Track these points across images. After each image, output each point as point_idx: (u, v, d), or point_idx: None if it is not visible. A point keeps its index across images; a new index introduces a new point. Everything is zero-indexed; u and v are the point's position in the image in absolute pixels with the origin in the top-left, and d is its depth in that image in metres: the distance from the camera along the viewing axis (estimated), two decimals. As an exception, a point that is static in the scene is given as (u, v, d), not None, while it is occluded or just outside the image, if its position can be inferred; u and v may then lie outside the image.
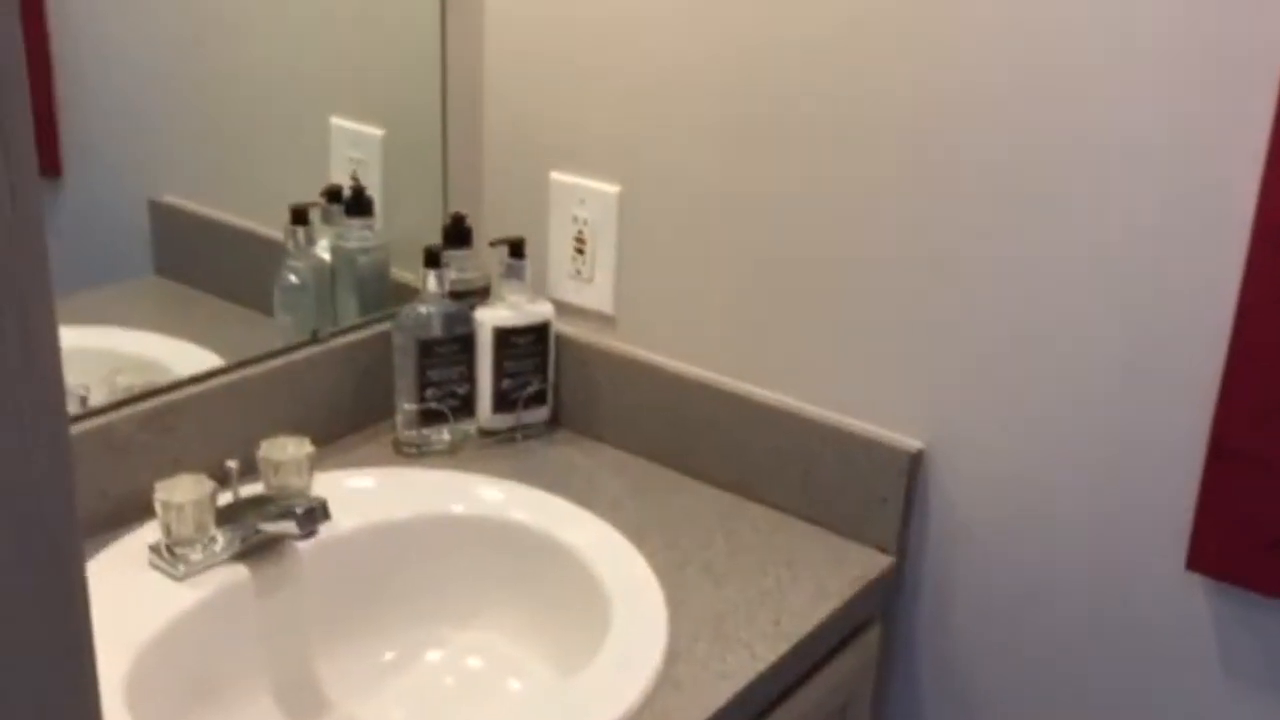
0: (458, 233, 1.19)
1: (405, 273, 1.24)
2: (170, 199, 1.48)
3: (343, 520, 1.01)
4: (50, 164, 1.60)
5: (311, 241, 1.23)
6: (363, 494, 1.07)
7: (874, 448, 1.05)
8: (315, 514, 0.95)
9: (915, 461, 1.04)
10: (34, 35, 1.55)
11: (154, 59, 1.49)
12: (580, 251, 1.19)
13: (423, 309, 1.15)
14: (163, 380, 1.11)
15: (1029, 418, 0.97)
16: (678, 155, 1.10)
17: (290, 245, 1.22)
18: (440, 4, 1.18)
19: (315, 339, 1.18)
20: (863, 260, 1.03)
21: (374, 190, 1.29)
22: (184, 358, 1.25)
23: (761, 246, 1.08)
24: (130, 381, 1.09)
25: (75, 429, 1.01)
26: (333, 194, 1.25)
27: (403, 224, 1.28)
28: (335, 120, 1.30)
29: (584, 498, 1.10)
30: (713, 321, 1.13)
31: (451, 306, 1.16)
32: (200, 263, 1.46)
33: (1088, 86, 0.88)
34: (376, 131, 1.27)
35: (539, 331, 1.19)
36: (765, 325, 1.10)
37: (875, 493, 1.05)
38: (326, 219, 1.24)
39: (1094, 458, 0.95)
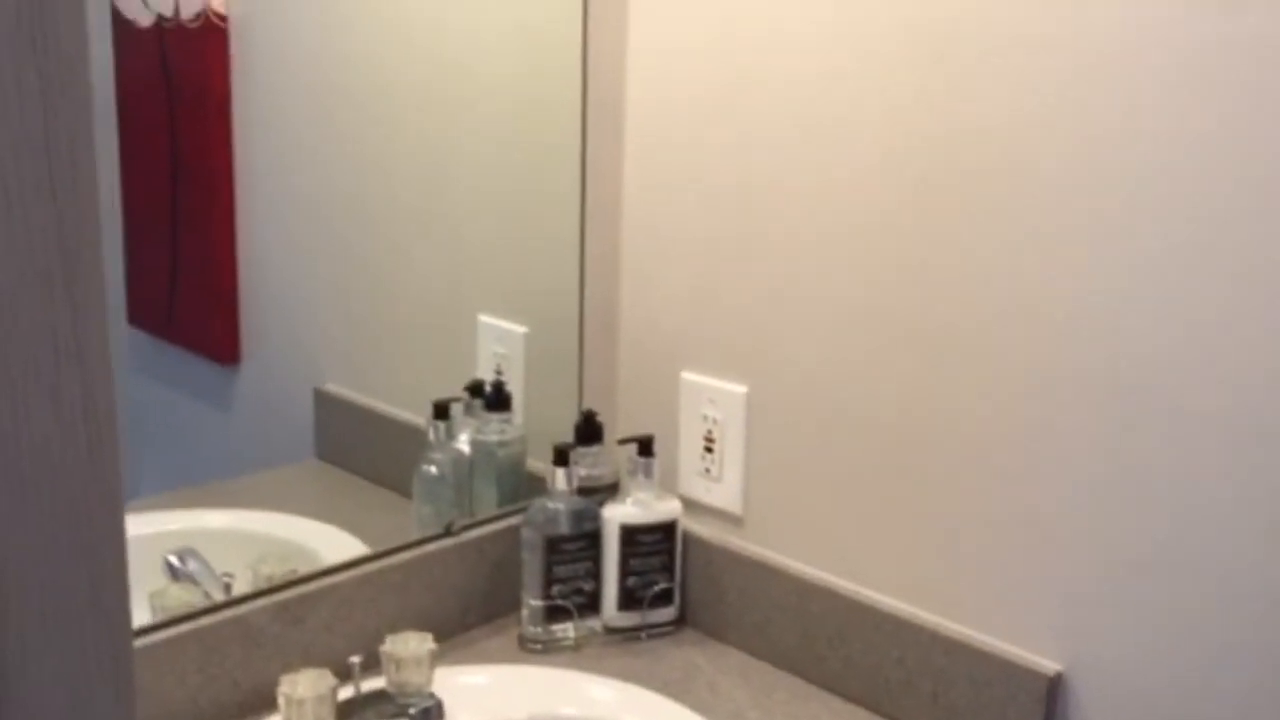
0: (589, 430, 1.21)
1: (542, 464, 1.26)
2: (332, 387, 1.57)
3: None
4: (230, 352, 1.72)
5: (452, 435, 1.27)
6: (480, 692, 1.07)
7: (1008, 669, 0.99)
8: (430, 715, 0.96)
9: (1053, 686, 0.97)
10: (224, 234, 1.69)
11: (324, 258, 1.60)
12: (709, 450, 1.19)
13: (551, 505, 1.17)
14: (301, 570, 1.15)
15: (1179, 637, 0.90)
16: (807, 359, 1.10)
17: (431, 438, 1.26)
18: (580, 217, 1.23)
19: (449, 532, 1.21)
20: (996, 473, 0.99)
21: (516, 384, 1.34)
22: (330, 543, 1.30)
23: (892, 452, 1.06)
24: (272, 571, 1.14)
25: (215, 618, 1.05)
26: (475, 389, 1.29)
27: (541, 417, 1.31)
28: (483, 317, 1.36)
29: (705, 705, 1.07)
30: (842, 526, 1.10)
31: (579, 503, 1.17)
32: (356, 449, 1.53)
33: None
34: (520, 329, 1.32)
35: (666, 530, 1.19)
36: (895, 531, 1.06)
37: (1009, 718, 0.98)
38: (468, 412, 1.29)
39: (1255, 684, 0.87)
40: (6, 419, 0.40)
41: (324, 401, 1.55)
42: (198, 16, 1.59)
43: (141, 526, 1.32)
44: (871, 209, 1.04)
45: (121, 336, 1.95)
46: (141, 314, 1.84)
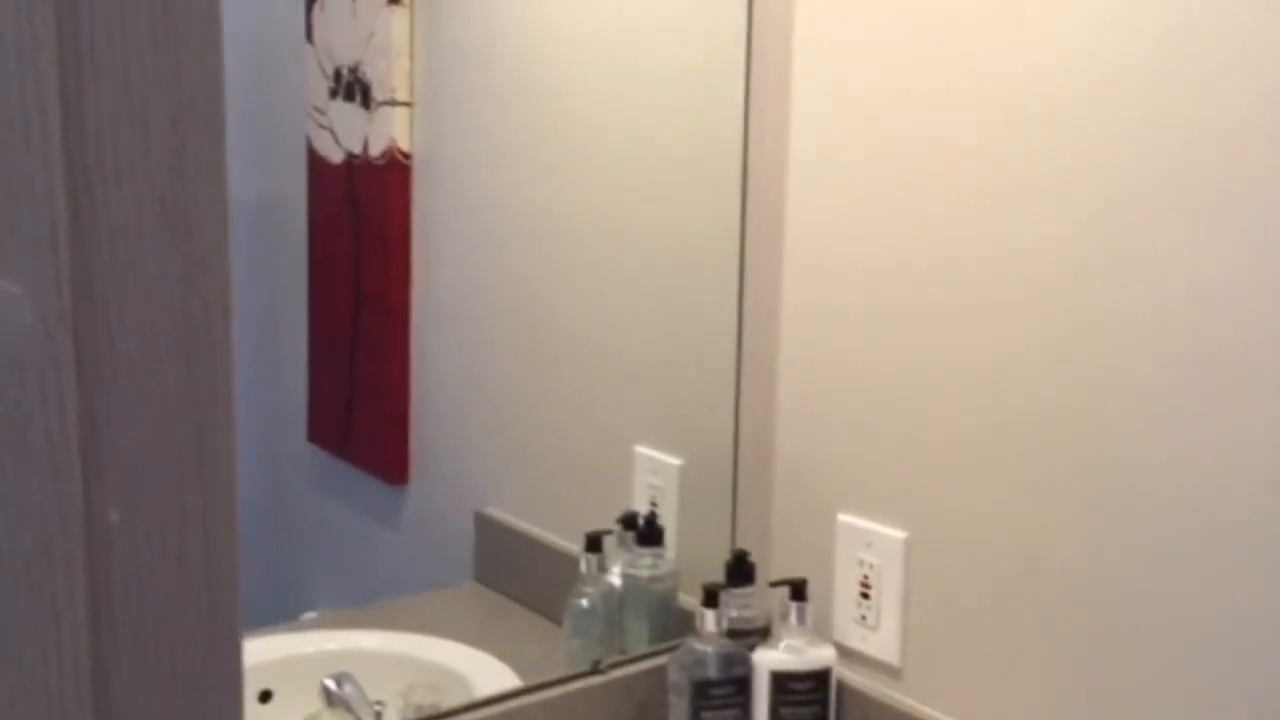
0: (740, 570, 1.19)
1: (694, 600, 1.24)
2: (493, 511, 1.59)
3: None
4: (399, 473, 1.77)
5: (604, 568, 1.26)
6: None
7: None
8: None
9: None
10: (399, 361, 1.76)
11: (490, 386, 1.64)
12: (866, 596, 1.15)
13: (699, 648, 1.14)
14: (451, 701, 1.15)
15: None
16: (971, 506, 1.05)
17: (583, 570, 1.26)
18: (737, 349, 1.23)
19: (596, 669, 1.19)
20: (1195, 640, 0.91)
21: (670, 517, 1.33)
22: (482, 671, 1.30)
23: (1067, 610, 0.99)
24: (421, 700, 1.14)
25: (361, 746, 1.06)
26: (628, 521, 1.29)
27: (695, 552, 1.29)
28: (639, 448, 1.36)
29: None
30: (1008, 684, 1.03)
31: (729, 646, 1.14)
32: (514, 574, 1.54)
33: None
34: (675, 461, 1.32)
35: (819, 678, 1.14)
36: (1068, 696, 0.99)
37: None
38: (621, 545, 1.28)
39: None
40: (134, 581, 0.41)
41: (484, 525, 1.58)
42: (384, 154, 1.69)
43: (303, 645, 1.36)
44: (1040, 348, 0.99)
45: (302, 454, 2.03)
46: (321, 433, 1.92)
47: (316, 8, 1.80)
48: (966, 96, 1.03)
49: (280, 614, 2.09)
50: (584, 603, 1.26)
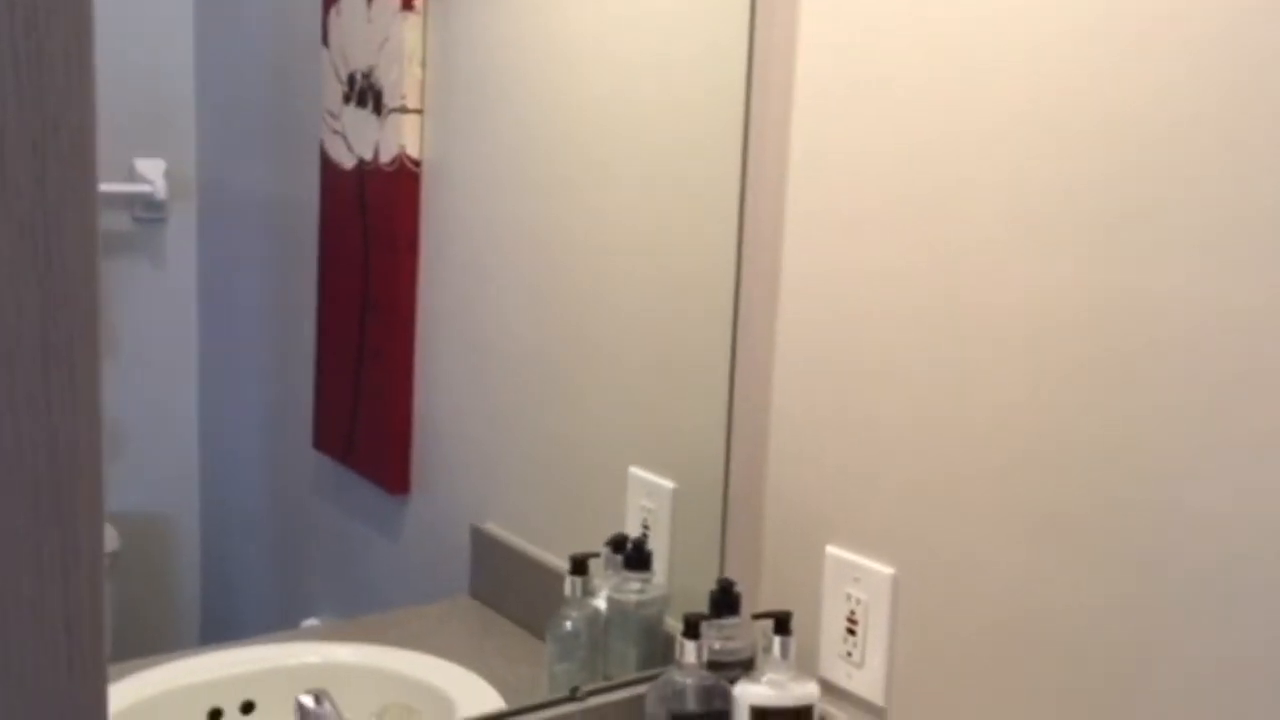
0: (725, 600, 1.15)
1: (680, 627, 1.21)
2: (491, 526, 1.57)
3: None
4: (400, 483, 1.76)
5: (589, 591, 1.24)
6: None
7: None
8: None
9: None
10: (404, 369, 1.74)
11: (492, 399, 1.62)
12: (852, 632, 1.11)
13: (678, 679, 1.11)
14: (421, 724, 1.13)
15: None
16: (960, 547, 1.02)
17: (568, 592, 1.23)
18: (730, 375, 1.20)
19: (573, 696, 1.16)
20: (1192, 695, 0.87)
21: (661, 541, 1.30)
22: (464, 690, 1.28)
23: (1057, 663, 0.95)
24: (394, 720, 1.12)
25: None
26: (617, 544, 1.26)
27: (685, 577, 1.26)
28: (634, 469, 1.33)
29: None
30: (989, 734, 1.00)
31: (709, 679, 1.11)
32: (509, 591, 1.52)
33: None
34: (668, 484, 1.29)
35: (801, 714, 1.10)
36: (1047, 751, 0.95)
37: None
38: (610, 567, 1.25)
39: None
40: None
41: (481, 540, 1.56)
42: (394, 160, 1.68)
43: (289, 657, 1.34)
44: (1039, 394, 0.95)
45: (307, 460, 2.02)
46: (326, 440, 1.91)
47: (333, 11, 1.79)
48: (967, 138, 0.99)
49: (283, 619, 2.09)
50: (568, 625, 1.23)
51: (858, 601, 1.11)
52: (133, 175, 2.21)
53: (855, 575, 1.11)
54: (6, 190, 0.38)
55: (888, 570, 1.08)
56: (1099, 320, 0.91)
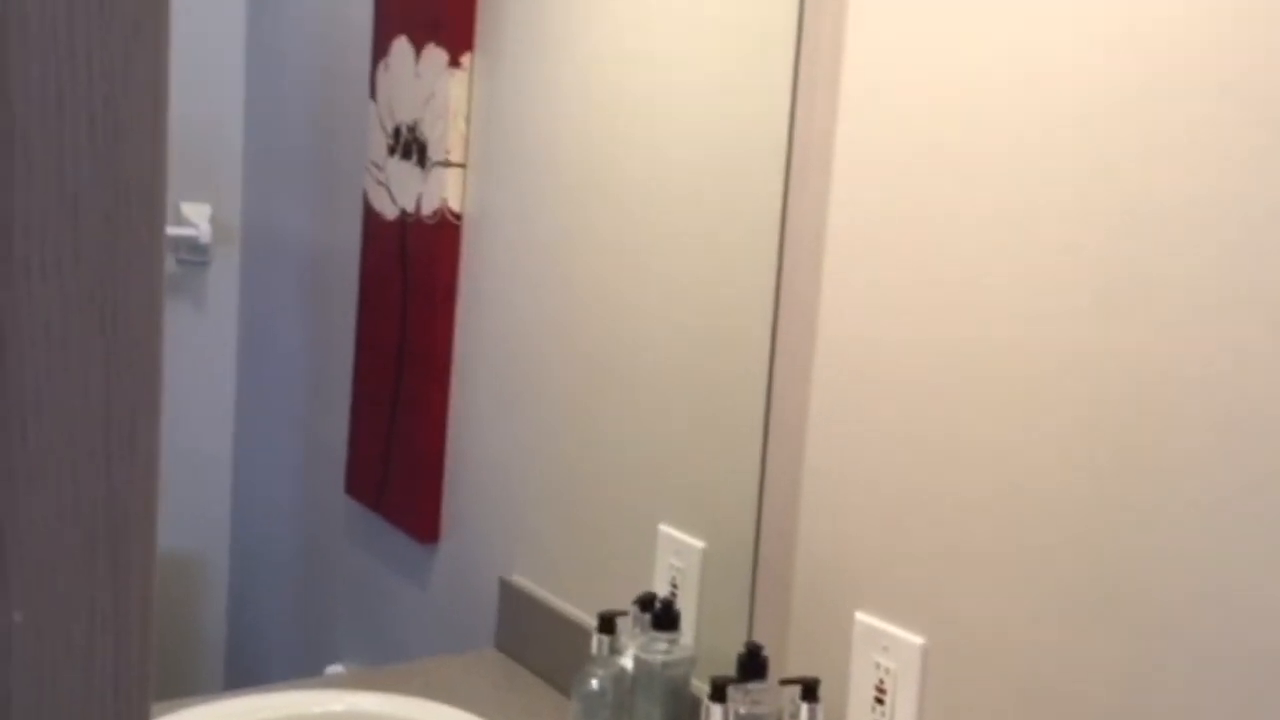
0: (753, 664, 1.15)
1: (708, 687, 1.20)
2: (518, 579, 1.57)
3: None
4: (430, 532, 1.76)
5: (616, 650, 1.23)
6: None
7: None
8: None
9: None
10: (437, 420, 1.75)
11: (524, 451, 1.63)
12: (880, 702, 1.10)
13: (704, 743, 1.10)
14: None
15: None
16: (992, 622, 1.01)
17: (594, 650, 1.23)
18: (764, 433, 1.20)
19: (598, 755, 1.16)
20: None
21: (689, 600, 1.29)
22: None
23: (1074, 737, 0.94)
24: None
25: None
26: (645, 602, 1.26)
27: (711, 639, 1.26)
28: (663, 527, 1.33)
29: None
30: (1018, 812, 0.98)
31: (735, 744, 1.10)
32: (535, 645, 1.52)
33: None
34: (698, 543, 1.29)
35: (827, 784, 1.09)
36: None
37: None
38: (637, 625, 1.25)
39: None
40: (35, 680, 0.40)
41: (508, 592, 1.56)
42: (435, 213, 1.70)
43: (310, 705, 1.34)
44: (1069, 470, 0.95)
45: (338, 506, 2.04)
46: (358, 486, 1.93)
47: (381, 66, 1.83)
48: (1002, 212, 1.00)
49: (308, 664, 2.09)
50: (594, 684, 1.23)
51: (886, 670, 1.10)
52: (179, 219, 2.25)
53: (884, 644, 1.10)
54: (80, 259, 0.40)
55: (918, 640, 1.07)
56: (1140, 397, 0.91)
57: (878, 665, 1.11)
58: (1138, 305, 0.91)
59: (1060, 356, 0.96)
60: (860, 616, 1.13)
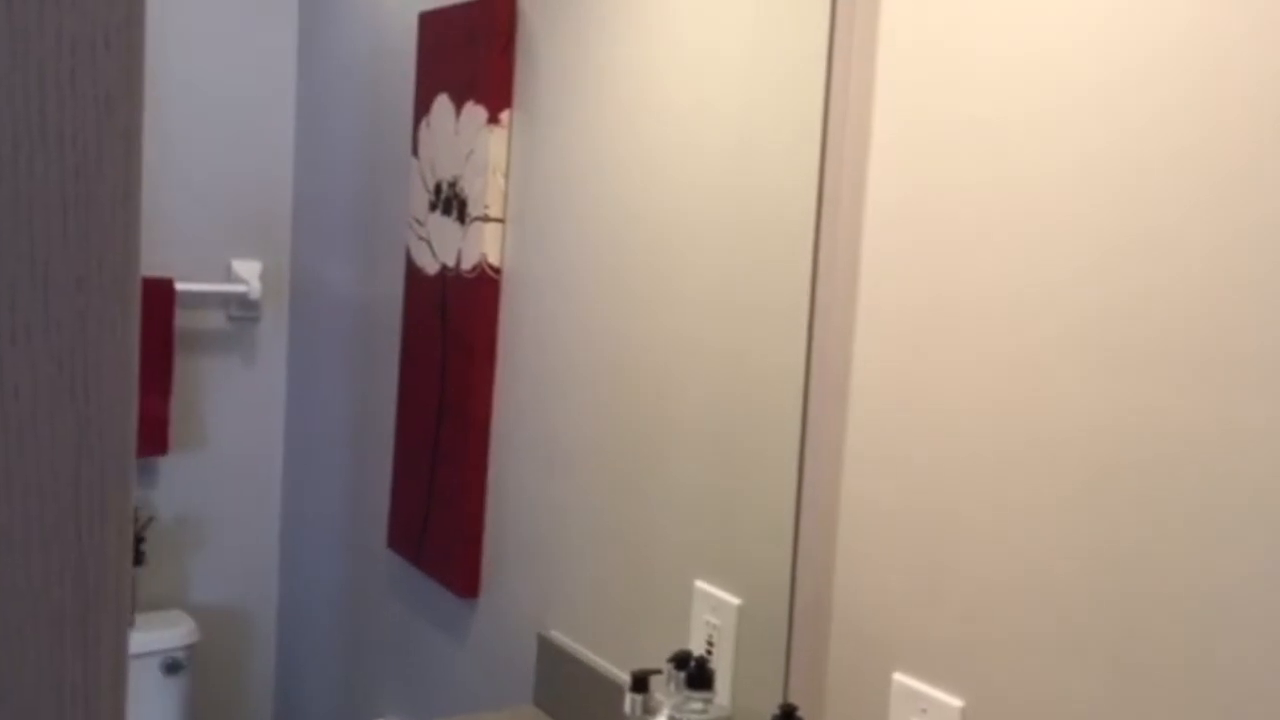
0: (787, 726, 1.12)
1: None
2: (556, 635, 1.55)
3: None
4: (470, 587, 1.76)
5: (651, 710, 1.21)
6: None
7: None
8: None
9: None
10: (476, 475, 1.75)
11: (563, 508, 1.61)
12: (920, 766, 1.06)
13: (736, 808, 1.07)
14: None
15: None
16: (1030, 680, 0.97)
17: (628, 710, 1.21)
18: (797, 490, 1.18)
19: (629, 819, 1.13)
20: None
21: (725, 658, 1.27)
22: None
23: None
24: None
25: None
26: (680, 661, 1.23)
27: (747, 700, 1.23)
28: (699, 583, 1.31)
29: None
30: None
31: (769, 809, 1.07)
32: (572, 701, 1.50)
33: None
34: (735, 601, 1.26)
35: None
36: None
37: None
38: (672, 684, 1.23)
39: None
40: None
41: (546, 649, 1.54)
42: (475, 268, 1.71)
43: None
44: (1103, 527, 0.92)
45: (381, 559, 2.04)
46: (399, 540, 1.93)
47: (423, 124, 1.85)
48: (1034, 248, 0.97)
49: (353, 717, 2.08)
50: (627, 745, 1.21)
51: (925, 734, 1.06)
52: (230, 276, 2.29)
53: (922, 706, 1.07)
54: (49, 326, 0.40)
55: (957, 702, 1.04)
56: (1172, 456, 0.88)
57: (916, 728, 1.07)
58: (1156, 358, 0.88)
59: (1095, 417, 0.93)
60: (898, 677, 1.09)
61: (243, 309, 2.35)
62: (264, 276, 2.34)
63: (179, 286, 2.15)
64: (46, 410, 0.40)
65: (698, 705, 1.20)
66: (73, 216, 0.40)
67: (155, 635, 2.07)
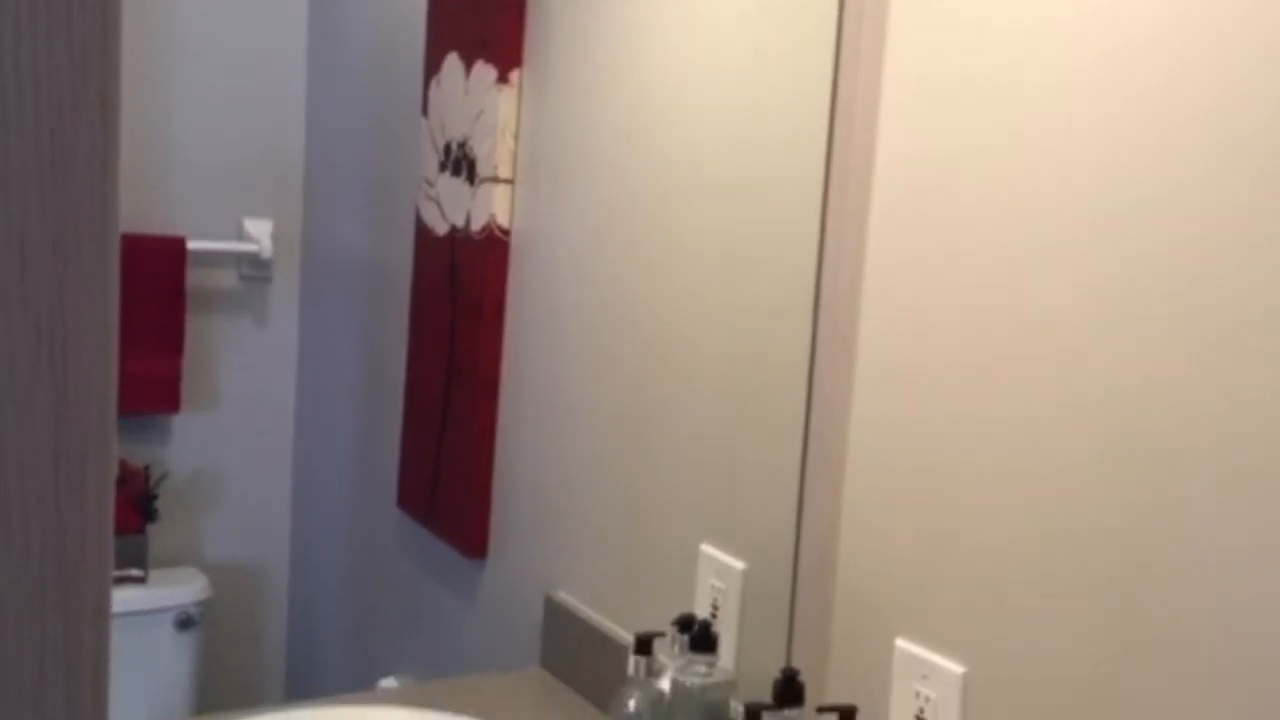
0: (789, 690, 1.12)
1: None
2: (563, 596, 1.56)
3: None
4: (478, 548, 1.76)
5: (654, 672, 1.21)
6: None
7: None
8: None
9: None
10: (485, 435, 1.75)
11: (570, 469, 1.61)
12: (921, 732, 1.07)
13: (737, 771, 1.08)
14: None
15: None
16: (1034, 649, 0.97)
17: (631, 672, 1.22)
18: (802, 452, 1.17)
19: (631, 780, 1.14)
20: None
21: (730, 622, 1.27)
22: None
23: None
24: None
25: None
26: (684, 624, 1.24)
27: (751, 663, 1.23)
28: (705, 547, 1.31)
29: None
30: None
31: (769, 772, 1.07)
32: (578, 663, 1.51)
33: None
34: (739, 564, 1.26)
35: (865, 816, 1.06)
36: None
37: None
38: (675, 646, 1.23)
39: None
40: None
41: (553, 610, 1.55)
42: (484, 229, 1.70)
43: (355, 722, 1.35)
44: (1111, 498, 0.91)
45: (390, 518, 2.05)
46: (408, 499, 1.93)
47: (433, 83, 1.84)
48: (1047, 211, 0.96)
49: (363, 676, 2.10)
50: (630, 706, 1.21)
51: (927, 699, 1.06)
52: (242, 235, 2.29)
53: (924, 672, 1.07)
54: (26, 291, 0.39)
55: (958, 669, 1.04)
56: (1184, 425, 0.87)
57: (918, 694, 1.07)
58: (1191, 335, 0.87)
59: (1102, 388, 0.92)
60: (901, 643, 1.09)
61: (254, 268, 2.34)
62: (275, 235, 2.33)
63: (191, 245, 2.15)
64: (25, 377, 0.40)
65: (701, 668, 1.20)
66: (49, 179, 0.39)
67: (168, 591, 2.09)
